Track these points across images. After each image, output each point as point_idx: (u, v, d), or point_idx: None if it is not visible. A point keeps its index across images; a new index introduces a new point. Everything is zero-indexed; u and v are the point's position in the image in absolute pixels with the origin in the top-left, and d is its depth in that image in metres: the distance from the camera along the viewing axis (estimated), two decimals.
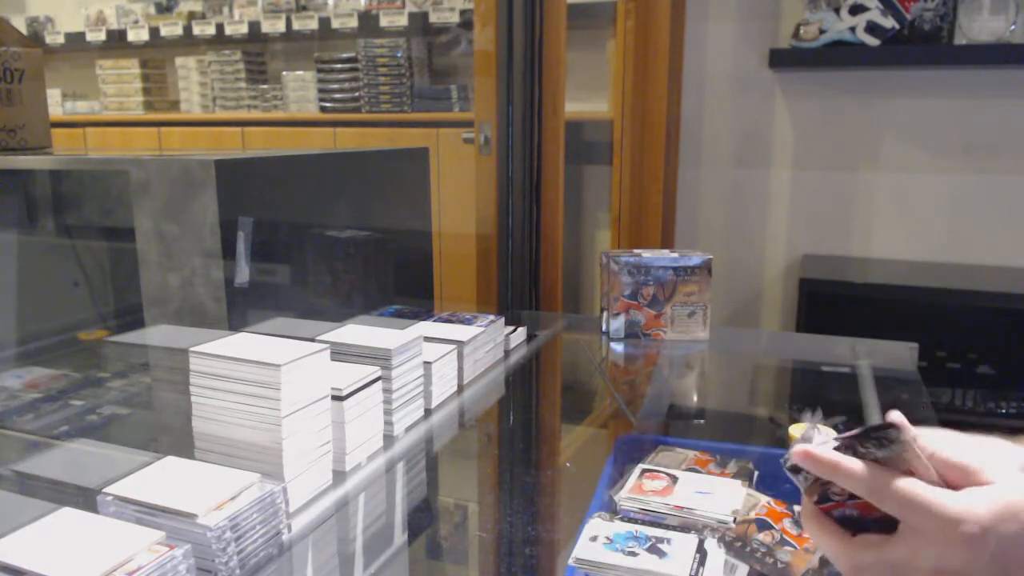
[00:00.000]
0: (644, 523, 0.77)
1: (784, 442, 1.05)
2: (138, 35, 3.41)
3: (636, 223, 2.38)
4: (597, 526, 0.76)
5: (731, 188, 2.55)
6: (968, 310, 2.21)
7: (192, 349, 0.84)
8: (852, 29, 2.17)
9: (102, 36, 3.47)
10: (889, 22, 2.14)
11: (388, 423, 1.02)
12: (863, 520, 0.54)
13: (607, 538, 0.74)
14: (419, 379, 1.08)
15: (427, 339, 1.15)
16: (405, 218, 1.47)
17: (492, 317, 1.34)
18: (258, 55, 3.34)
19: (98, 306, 1.44)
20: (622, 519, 0.78)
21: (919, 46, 2.18)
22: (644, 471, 0.89)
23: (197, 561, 0.68)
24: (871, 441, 0.52)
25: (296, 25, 3.10)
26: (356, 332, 1.06)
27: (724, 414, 1.31)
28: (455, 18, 2.84)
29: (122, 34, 3.44)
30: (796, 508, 0.82)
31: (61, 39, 3.57)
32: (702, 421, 1.24)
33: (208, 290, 1.00)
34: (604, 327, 1.52)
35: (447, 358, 1.17)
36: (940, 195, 2.34)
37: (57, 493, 0.91)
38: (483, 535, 0.87)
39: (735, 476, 0.89)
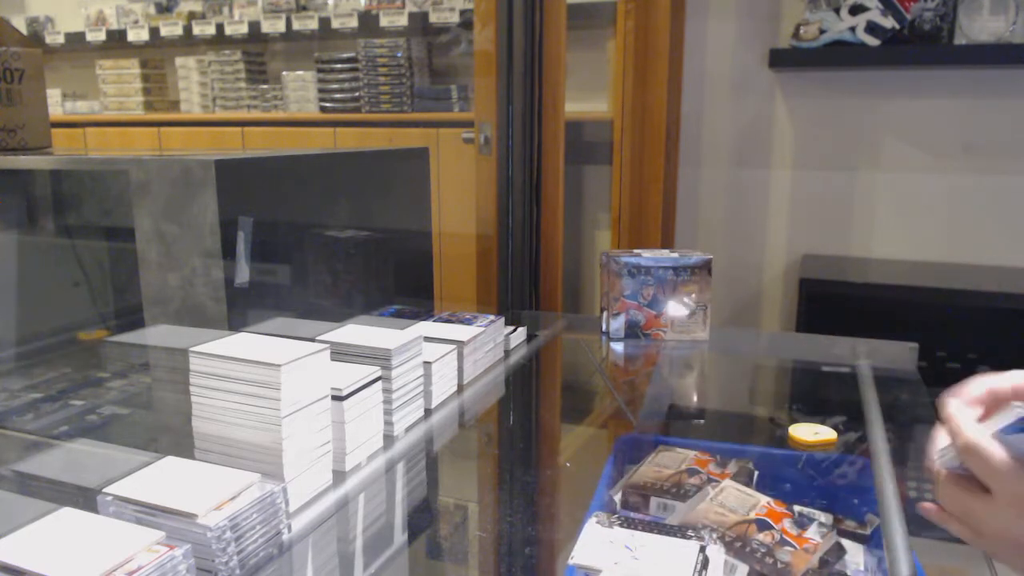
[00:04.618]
0: (644, 523, 0.77)
1: (784, 442, 1.05)
2: (138, 35, 3.41)
3: (636, 223, 2.38)
4: (597, 526, 0.76)
5: (731, 188, 2.55)
6: (968, 310, 2.21)
7: (192, 349, 0.84)
8: (852, 29, 2.17)
9: (102, 36, 3.47)
10: (889, 22, 2.14)
11: (388, 423, 1.02)
12: None
13: (607, 538, 0.74)
14: (419, 379, 1.08)
15: (427, 339, 1.15)
16: (405, 218, 1.47)
17: (492, 317, 1.34)
18: (258, 55, 3.34)
19: (98, 306, 1.44)
20: (622, 519, 0.78)
21: (919, 46, 2.18)
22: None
23: (197, 561, 0.68)
24: None
25: (296, 25, 3.10)
26: (356, 332, 1.06)
27: (724, 414, 1.31)
28: (455, 18, 2.84)
29: (122, 34, 3.44)
30: (796, 508, 0.82)
31: (61, 39, 3.57)
32: (702, 421, 1.24)
33: (208, 290, 1.00)
34: (604, 327, 1.52)
35: (447, 358, 1.17)
36: (940, 195, 2.34)
37: (57, 493, 0.91)
38: (483, 535, 0.87)
39: (735, 476, 0.89)
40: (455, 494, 1.00)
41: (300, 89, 3.14)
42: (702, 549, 0.72)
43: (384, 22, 2.94)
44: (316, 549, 0.81)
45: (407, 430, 1.06)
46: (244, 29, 3.18)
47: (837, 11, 2.19)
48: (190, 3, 3.38)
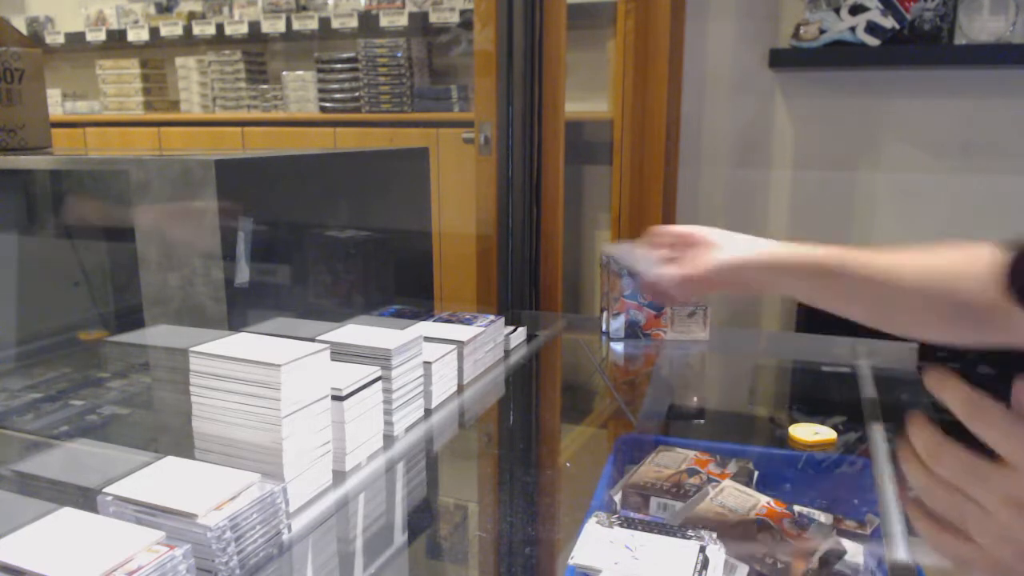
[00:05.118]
0: (644, 523, 0.77)
1: (784, 442, 1.05)
2: (138, 35, 3.41)
3: (636, 223, 2.38)
4: (597, 526, 0.76)
5: (731, 188, 2.55)
6: None
7: (192, 349, 0.84)
8: (852, 29, 2.17)
9: (102, 36, 3.47)
10: (889, 22, 2.14)
11: (388, 423, 1.02)
12: None
13: (607, 538, 0.74)
14: (419, 379, 1.08)
15: (427, 339, 1.15)
16: (405, 218, 1.47)
17: (492, 317, 1.34)
18: (258, 55, 3.34)
19: (98, 306, 1.44)
20: (622, 519, 0.78)
21: (919, 46, 2.18)
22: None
23: (197, 561, 0.68)
24: None
25: (296, 25, 3.10)
26: (356, 332, 1.06)
27: (724, 414, 1.31)
28: (455, 18, 2.84)
29: (122, 34, 3.44)
30: (796, 508, 0.82)
31: (61, 39, 3.57)
32: (702, 421, 1.24)
33: (208, 290, 1.00)
34: (604, 327, 1.52)
35: (447, 358, 1.17)
36: (940, 195, 2.34)
37: (57, 493, 0.91)
38: (483, 535, 0.87)
39: (735, 476, 0.89)
40: (455, 494, 1.00)
41: (300, 89, 3.14)
42: (702, 549, 0.72)
43: (384, 22, 2.94)
44: (316, 549, 0.81)
45: (407, 430, 1.06)
46: (244, 29, 3.18)
47: (837, 11, 2.19)
48: (190, 3, 3.38)
